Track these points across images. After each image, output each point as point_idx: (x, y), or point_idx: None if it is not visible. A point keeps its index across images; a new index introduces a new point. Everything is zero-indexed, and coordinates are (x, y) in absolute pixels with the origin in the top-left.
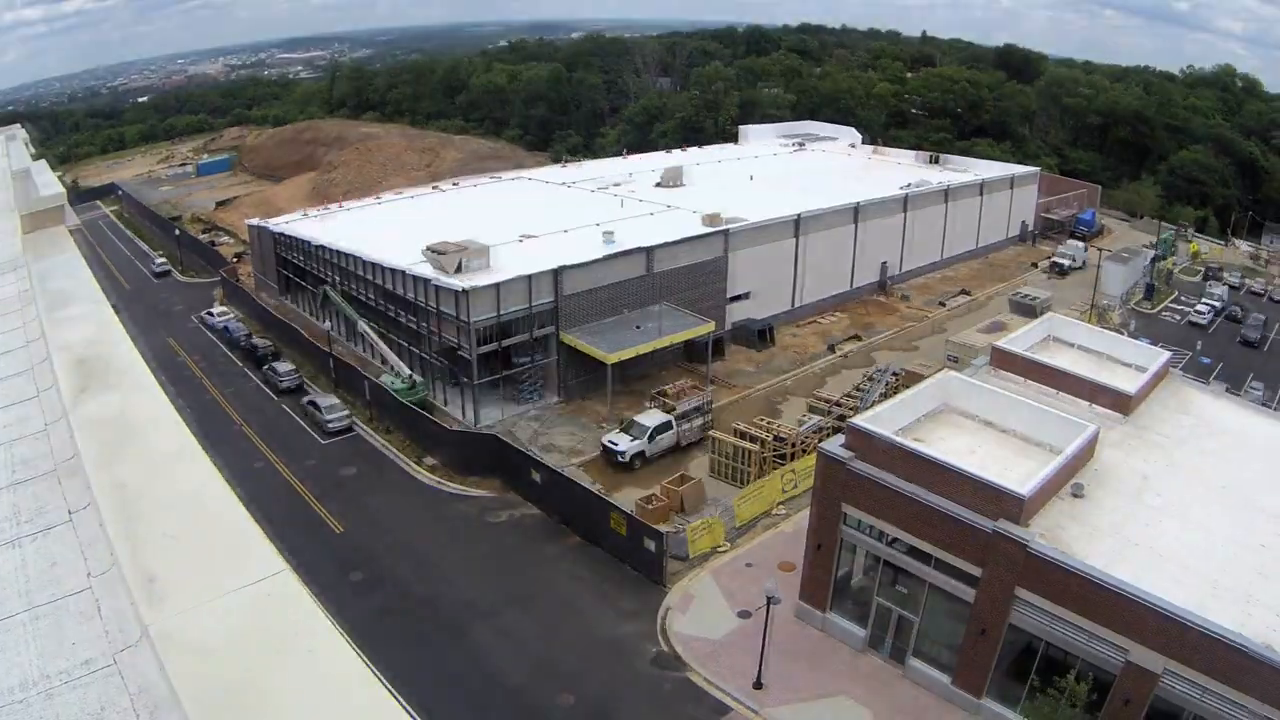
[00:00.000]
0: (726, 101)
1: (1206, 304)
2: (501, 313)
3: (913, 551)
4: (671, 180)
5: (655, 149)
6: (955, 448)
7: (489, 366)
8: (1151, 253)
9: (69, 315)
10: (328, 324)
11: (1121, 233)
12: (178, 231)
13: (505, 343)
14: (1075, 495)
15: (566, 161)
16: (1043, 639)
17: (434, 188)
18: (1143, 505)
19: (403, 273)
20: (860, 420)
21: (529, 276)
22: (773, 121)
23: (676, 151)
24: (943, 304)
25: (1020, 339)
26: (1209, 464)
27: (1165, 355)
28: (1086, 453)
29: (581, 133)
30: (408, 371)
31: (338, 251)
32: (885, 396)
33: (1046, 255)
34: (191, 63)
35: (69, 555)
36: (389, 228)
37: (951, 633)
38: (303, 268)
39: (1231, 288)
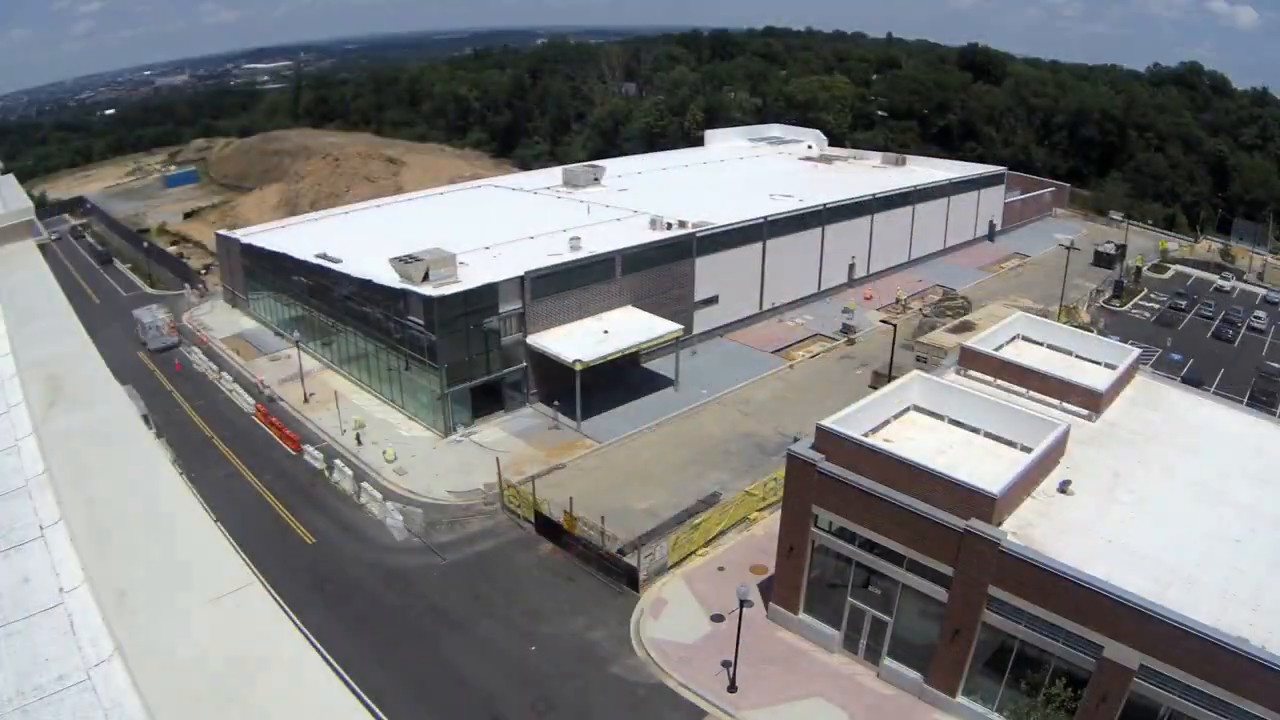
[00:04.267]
0: (692, 106)
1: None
2: (469, 320)
3: (885, 552)
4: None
5: (621, 154)
6: (925, 448)
7: (457, 375)
8: None
9: (37, 330)
10: (296, 334)
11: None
12: (146, 244)
13: (474, 350)
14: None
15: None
16: (1017, 637)
17: (400, 198)
18: (1115, 502)
19: (370, 282)
20: (829, 422)
21: (496, 284)
22: (738, 125)
23: (642, 156)
24: None
25: (989, 339)
26: (1180, 460)
27: (1135, 352)
28: (1057, 451)
29: (547, 139)
30: None
31: (305, 261)
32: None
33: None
34: (158, 74)
35: (41, 571)
36: (356, 237)
37: (925, 632)
38: (271, 277)
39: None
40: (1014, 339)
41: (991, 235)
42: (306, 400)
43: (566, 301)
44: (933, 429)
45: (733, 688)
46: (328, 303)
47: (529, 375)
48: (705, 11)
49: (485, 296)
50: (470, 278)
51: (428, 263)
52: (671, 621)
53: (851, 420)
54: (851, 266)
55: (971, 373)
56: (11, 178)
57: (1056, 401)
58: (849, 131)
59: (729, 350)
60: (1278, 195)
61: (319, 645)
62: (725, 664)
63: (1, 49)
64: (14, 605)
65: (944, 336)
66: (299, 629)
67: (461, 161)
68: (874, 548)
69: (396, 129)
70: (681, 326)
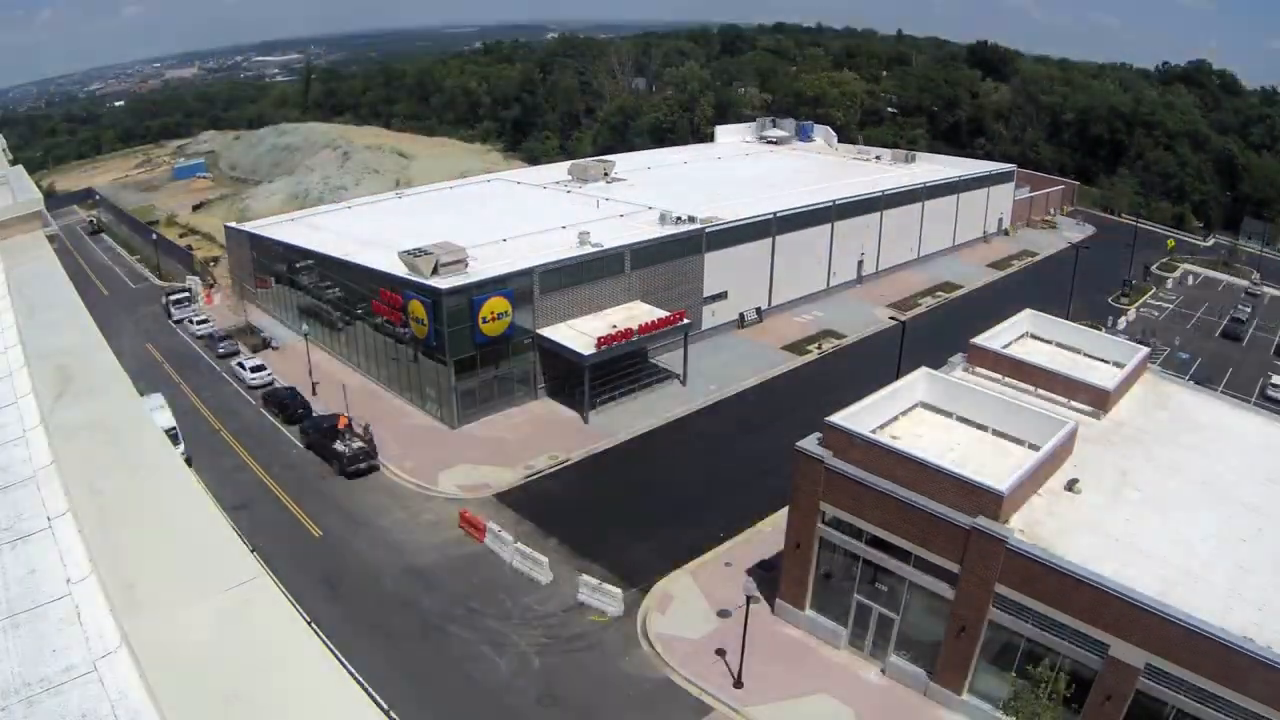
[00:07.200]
0: (701, 102)
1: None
2: (478, 313)
3: (891, 549)
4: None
5: (630, 150)
6: (933, 445)
7: (466, 368)
8: None
9: (46, 322)
10: (305, 327)
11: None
12: (155, 236)
13: (482, 342)
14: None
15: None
16: (1023, 635)
17: (410, 191)
18: (1122, 500)
19: (380, 273)
20: (837, 418)
21: (504, 277)
22: (747, 121)
23: (651, 152)
24: None
25: (997, 336)
26: (1188, 458)
27: (1143, 351)
28: (1065, 449)
29: (557, 134)
30: None
31: (315, 253)
32: None
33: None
34: (168, 66)
35: (49, 562)
36: (365, 230)
37: (931, 630)
38: (279, 269)
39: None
40: (1022, 336)
41: (1001, 232)
42: (315, 392)
43: (575, 296)
44: (940, 426)
45: (739, 683)
46: (336, 295)
47: (537, 369)
48: (715, 7)
49: (493, 289)
50: (479, 271)
51: (437, 256)
52: (678, 617)
53: (859, 416)
54: (860, 263)
55: (979, 370)
56: (21, 169)
57: (1064, 399)
58: (858, 128)
59: (738, 346)
60: None
61: (325, 638)
62: (724, 655)
63: (11, 40)
64: (21, 596)
65: None
66: (306, 622)
67: (471, 156)
68: (881, 544)
69: (406, 123)
70: (689, 321)
